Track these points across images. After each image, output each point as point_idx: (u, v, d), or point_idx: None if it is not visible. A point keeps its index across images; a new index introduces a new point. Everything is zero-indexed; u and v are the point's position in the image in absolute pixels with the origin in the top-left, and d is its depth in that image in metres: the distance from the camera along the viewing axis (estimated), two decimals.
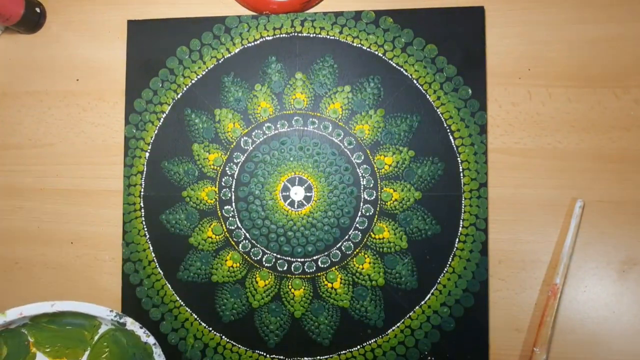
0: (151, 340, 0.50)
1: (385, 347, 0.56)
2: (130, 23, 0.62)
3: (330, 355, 0.57)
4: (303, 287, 0.57)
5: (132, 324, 0.49)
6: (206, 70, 0.60)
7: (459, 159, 0.56)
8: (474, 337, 0.55)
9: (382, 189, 0.57)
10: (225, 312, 0.58)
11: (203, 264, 0.59)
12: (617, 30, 0.56)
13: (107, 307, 0.50)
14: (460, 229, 0.56)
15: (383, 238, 0.57)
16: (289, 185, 0.58)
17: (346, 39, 0.59)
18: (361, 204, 0.57)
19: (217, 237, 0.59)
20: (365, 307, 0.56)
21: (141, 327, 0.50)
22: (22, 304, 0.49)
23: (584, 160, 0.56)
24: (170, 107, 0.60)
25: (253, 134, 0.59)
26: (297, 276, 0.58)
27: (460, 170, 0.56)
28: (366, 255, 0.57)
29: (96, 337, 0.49)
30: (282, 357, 0.57)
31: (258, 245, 0.58)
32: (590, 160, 0.55)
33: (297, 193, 0.58)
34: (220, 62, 0.60)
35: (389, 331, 0.56)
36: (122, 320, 0.49)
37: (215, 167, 0.59)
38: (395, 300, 0.56)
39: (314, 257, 0.57)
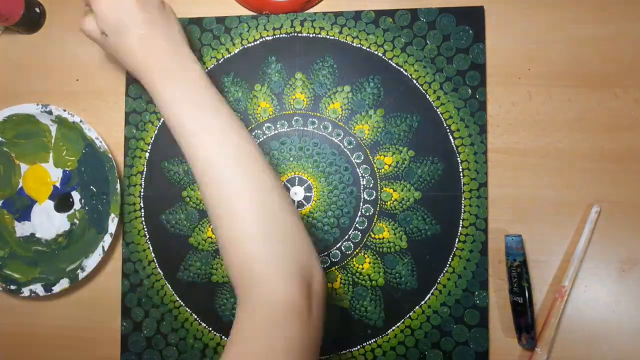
0: (77, 118, 0.58)
1: (385, 347, 0.56)
2: None
3: (330, 355, 0.57)
4: None
5: (56, 110, 0.59)
6: (206, 70, 0.60)
7: (459, 159, 0.56)
8: (474, 337, 0.55)
9: (381, 189, 0.57)
10: (225, 312, 0.58)
11: (203, 264, 0.59)
12: (617, 30, 0.56)
13: (34, 102, 0.59)
14: (460, 229, 0.56)
15: (383, 238, 0.57)
16: (289, 185, 0.58)
17: (346, 39, 0.59)
18: (361, 204, 0.57)
19: None
20: (365, 307, 0.56)
21: (64, 110, 0.59)
22: None
23: (583, 161, 0.55)
24: None
25: (253, 134, 0.59)
26: None
27: (460, 170, 0.56)
28: (366, 255, 0.57)
29: (52, 140, 0.61)
30: None
31: None
32: (590, 160, 0.55)
33: (297, 193, 0.58)
34: (220, 62, 0.60)
35: (389, 331, 0.56)
36: (48, 109, 0.59)
37: None
38: (395, 300, 0.56)
39: None
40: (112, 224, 0.57)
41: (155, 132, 0.60)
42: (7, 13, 0.59)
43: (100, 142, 0.57)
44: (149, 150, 0.60)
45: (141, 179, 0.60)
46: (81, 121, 0.58)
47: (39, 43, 0.64)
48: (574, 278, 0.53)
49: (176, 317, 0.59)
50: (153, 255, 0.59)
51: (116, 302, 0.60)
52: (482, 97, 0.56)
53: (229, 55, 0.60)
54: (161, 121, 0.60)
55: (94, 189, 0.60)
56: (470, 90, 0.57)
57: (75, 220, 0.61)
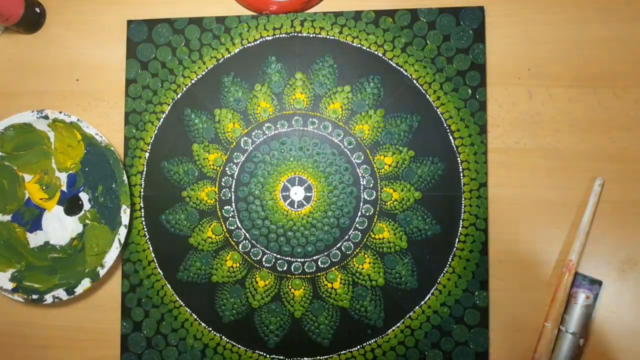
0: (74, 118, 0.58)
1: (385, 347, 0.56)
2: (130, 23, 0.62)
3: (330, 356, 0.57)
4: (303, 287, 0.57)
5: (52, 113, 0.58)
6: (206, 70, 0.60)
7: (459, 159, 0.56)
8: (474, 337, 0.55)
9: (382, 189, 0.57)
10: (225, 312, 0.58)
11: (203, 264, 0.59)
12: (617, 30, 0.56)
13: (29, 110, 0.60)
14: (460, 229, 0.56)
15: (383, 238, 0.57)
16: (289, 185, 0.58)
17: (346, 39, 0.59)
18: (361, 204, 0.57)
19: (217, 237, 0.59)
20: (365, 307, 0.56)
21: (60, 112, 0.58)
22: None
23: (583, 160, 0.55)
24: (170, 107, 0.60)
25: (253, 134, 0.59)
26: (297, 276, 0.58)
27: (460, 170, 0.56)
28: (366, 255, 0.57)
29: (52, 146, 0.61)
30: (282, 357, 0.57)
31: (258, 246, 0.58)
32: (590, 160, 0.55)
33: (297, 193, 0.58)
34: (220, 62, 0.60)
35: (389, 331, 0.56)
36: (43, 114, 0.58)
37: (215, 167, 0.59)
38: (395, 300, 0.56)
39: (314, 257, 0.57)
40: (125, 216, 0.57)
41: (155, 132, 0.60)
42: (7, 13, 0.59)
43: (101, 137, 0.57)
44: (149, 150, 0.60)
45: (141, 179, 0.60)
46: (78, 120, 0.58)
47: (39, 43, 0.64)
48: (580, 252, 0.53)
49: (176, 317, 0.59)
50: (153, 255, 0.59)
51: (116, 302, 0.60)
52: (482, 97, 0.56)
53: (229, 55, 0.60)
54: (161, 121, 0.60)
55: (101, 186, 0.60)
56: (470, 90, 0.57)
57: (87, 221, 0.61)
